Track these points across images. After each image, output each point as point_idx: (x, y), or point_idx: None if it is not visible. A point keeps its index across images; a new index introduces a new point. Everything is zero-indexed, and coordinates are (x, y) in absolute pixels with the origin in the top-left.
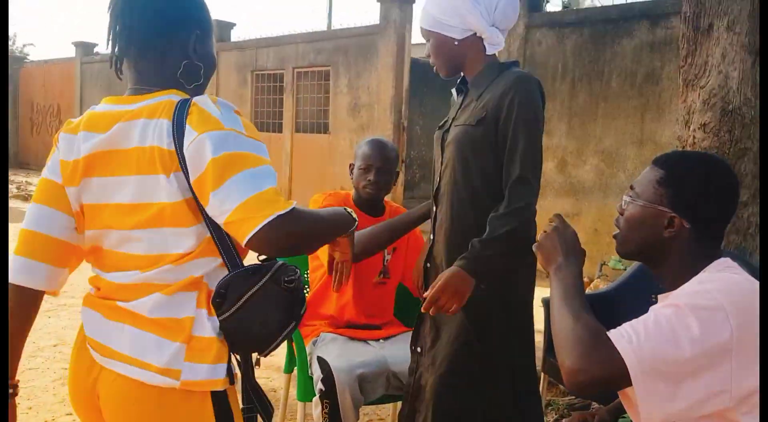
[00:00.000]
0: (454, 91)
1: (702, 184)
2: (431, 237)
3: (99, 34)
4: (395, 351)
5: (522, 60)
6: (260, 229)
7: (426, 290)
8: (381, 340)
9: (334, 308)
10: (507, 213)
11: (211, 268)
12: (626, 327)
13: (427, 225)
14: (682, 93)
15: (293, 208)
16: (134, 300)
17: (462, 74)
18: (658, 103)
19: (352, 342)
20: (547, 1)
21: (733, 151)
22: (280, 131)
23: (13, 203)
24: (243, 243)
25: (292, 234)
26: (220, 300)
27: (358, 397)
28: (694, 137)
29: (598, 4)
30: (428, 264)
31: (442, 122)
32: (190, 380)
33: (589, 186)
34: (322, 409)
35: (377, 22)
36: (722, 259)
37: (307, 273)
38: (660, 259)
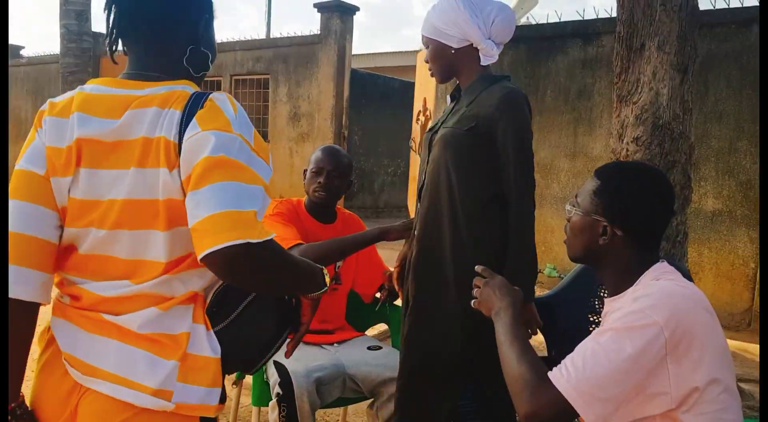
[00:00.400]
0: (448, 97)
1: (632, 194)
2: (414, 232)
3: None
4: (350, 354)
5: None
6: (221, 249)
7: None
8: (335, 344)
9: None
10: (520, 251)
11: (210, 280)
12: (566, 363)
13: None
14: (616, 108)
15: (268, 241)
16: (124, 314)
17: (457, 82)
18: (589, 118)
19: (308, 346)
20: None
21: (663, 163)
22: None
23: None
24: (199, 257)
25: (255, 269)
26: (216, 309)
27: (315, 400)
28: (627, 150)
29: (534, 22)
30: (409, 261)
31: (431, 126)
32: (182, 403)
33: None
34: (279, 413)
35: (318, 31)
36: (658, 264)
37: None
38: (600, 264)
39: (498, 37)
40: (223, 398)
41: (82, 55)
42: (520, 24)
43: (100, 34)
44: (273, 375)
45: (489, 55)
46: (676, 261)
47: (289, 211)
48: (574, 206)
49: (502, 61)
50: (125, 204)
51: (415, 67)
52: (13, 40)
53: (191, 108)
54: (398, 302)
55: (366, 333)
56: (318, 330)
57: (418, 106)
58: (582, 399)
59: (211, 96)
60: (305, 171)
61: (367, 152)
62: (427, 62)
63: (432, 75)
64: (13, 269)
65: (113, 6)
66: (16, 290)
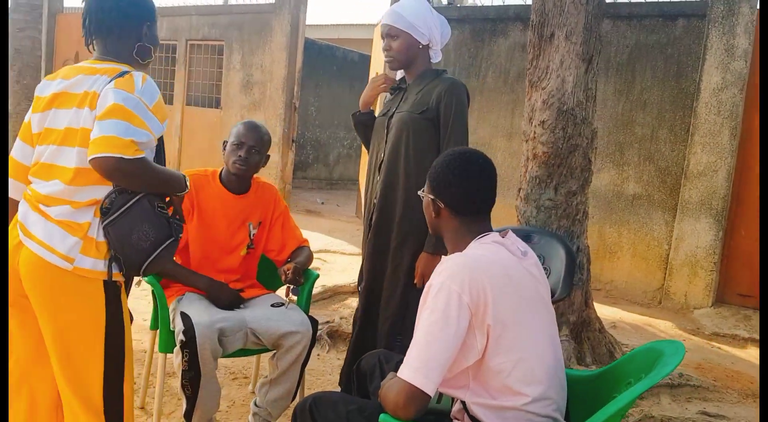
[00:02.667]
0: (388, 91)
1: (444, 171)
2: (374, 202)
3: None
4: (254, 310)
5: None
6: (100, 157)
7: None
8: (243, 302)
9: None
10: None
11: (107, 192)
12: (407, 356)
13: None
14: (528, 92)
15: (138, 158)
16: (51, 207)
17: (402, 75)
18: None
19: None
20: None
21: (566, 146)
22: (171, 103)
23: None
24: (88, 160)
25: (126, 174)
26: (106, 208)
27: (217, 348)
28: (534, 132)
29: (479, 3)
30: (371, 221)
31: (384, 111)
32: (79, 267)
33: None
34: (182, 358)
35: (273, 1)
36: (487, 235)
37: None
38: (442, 236)
39: (443, 40)
40: (110, 270)
41: (32, 12)
42: (466, 5)
43: None
44: (178, 325)
45: (437, 54)
46: (575, 237)
47: (190, 194)
48: (422, 190)
49: (448, 41)
50: (66, 130)
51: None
52: None
53: (116, 77)
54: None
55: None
56: None
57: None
58: (426, 379)
59: (130, 72)
60: (225, 143)
61: (323, 124)
62: (386, 50)
63: (389, 62)
64: (11, 181)
65: (86, 17)
66: (13, 194)
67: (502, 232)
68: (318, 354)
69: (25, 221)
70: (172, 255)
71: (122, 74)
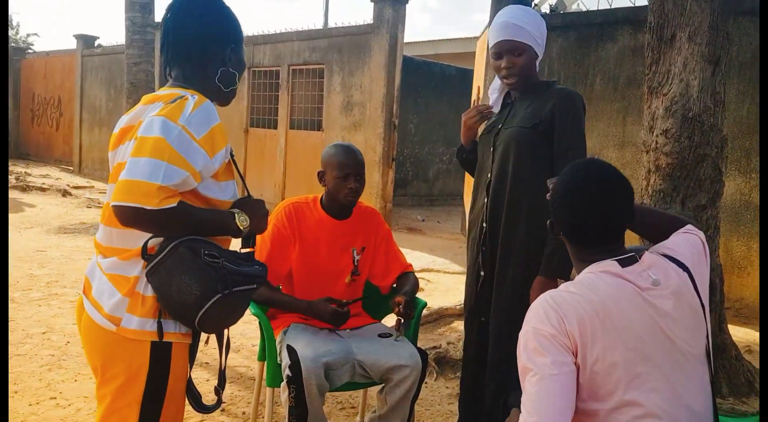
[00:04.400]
0: (496, 100)
1: (560, 193)
2: (483, 225)
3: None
4: (361, 341)
5: None
6: (117, 206)
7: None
8: (348, 331)
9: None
10: None
11: (160, 239)
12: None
13: (407, 210)
14: (646, 99)
15: (160, 210)
16: (104, 258)
17: (506, 89)
18: (639, 106)
19: (321, 331)
20: (535, 5)
21: (693, 156)
22: (275, 127)
23: (12, 194)
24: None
25: (146, 225)
26: (149, 255)
27: (323, 383)
28: (656, 142)
29: (584, 9)
30: (484, 248)
31: (489, 127)
32: (125, 328)
33: None
34: (289, 393)
35: (371, 21)
36: (597, 264)
37: None
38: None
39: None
40: (161, 330)
41: (145, 47)
42: (570, 11)
43: None
44: (285, 359)
45: (538, 63)
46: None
47: (291, 221)
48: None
49: (551, 49)
50: (117, 165)
51: (474, 53)
52: (90, 30)
53: (171, 102)
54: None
55: (382, 321)
56: None
57: (475, 93)
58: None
59: (187, 96)
60: (321, 173)
61: (422, 140)
62: (508, 68)
63: (512, 81)
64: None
65: (164, 42)
66: None
67: (631, 256)
68: (426, 383)
69: (90, 275)
70: (235, 309)
71: (177, 99)
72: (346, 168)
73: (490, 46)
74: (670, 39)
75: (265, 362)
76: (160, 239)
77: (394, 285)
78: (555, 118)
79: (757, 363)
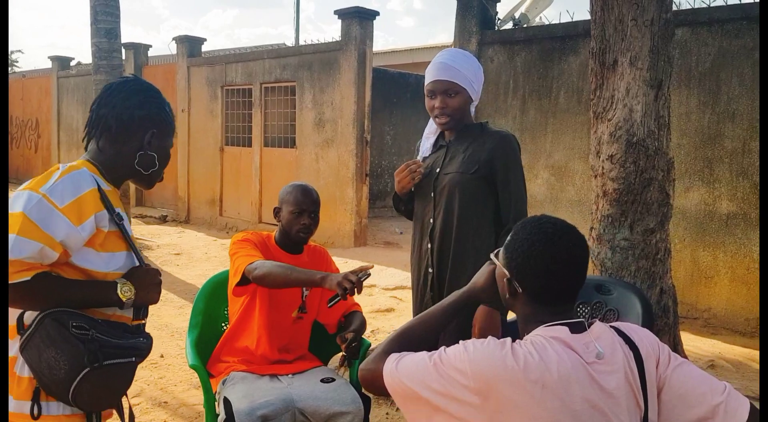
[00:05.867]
0: (427, 144)
1: (526, 254)
2: (428, 270)
3: (75, 48)
4: (302, 386)
5: None
6: None
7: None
8: (290, 375)
9: (251, 340)
10: None
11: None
12: (400, 356)
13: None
14: (592, 124)
15: (12, 284)
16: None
17: (438, 131)
18: None
19: (261, 380)
20: (500, 20)
21: (639, 180)
22: (250, 145)
23: None
24: None
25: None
26: (21, 331)
27: None
28: (603, 167)
29: (546, 22)
30: (432, 292)
31: (426, 171)
32: (13, 412)
33: (541, 199)
34: None
35: (339, 38)
36: (547, 327)
37: (226, 311)
38: (515, 313)
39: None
40: (33, 413)
41: (112, 72)
42: (533, 24)
43: (139, 45)
44: (221, 413)
45: (473, 107)
46: (657, 278)
47: (259, 241)
48: (494, 255)
49: (516, 63)
50: None
51: None
52: (65, 52)
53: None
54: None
55: (328, 364)
56: (277, 361)
57: None
58: (392, 381)
59: (57, 166)
60: (277, 209)
61: (400, 151)
62: (441, 108)
63: (445, 122)
64: None
65: (90, 116)
66: None
67: (580, 322)
68: (387, 414)
69: None
70: (111, 384)
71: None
72: (301, 205)
73: (426, 84)
74: (612, 64)
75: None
76: (35, 313)
77: (341, 322)
78: (494, 163)
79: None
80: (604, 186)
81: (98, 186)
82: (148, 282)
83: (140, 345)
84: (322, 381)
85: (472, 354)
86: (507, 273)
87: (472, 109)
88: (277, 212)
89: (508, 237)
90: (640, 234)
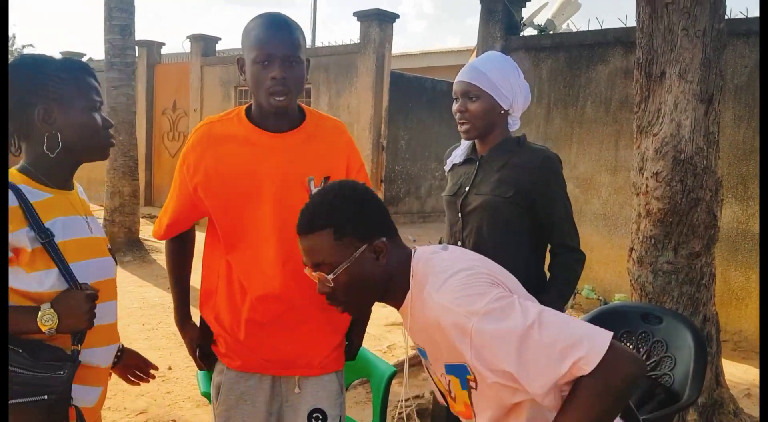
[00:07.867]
0: (457, 157)
1: (343, 211)
2: None
3: (87, 42)
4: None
5: None
6: None
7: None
8: (297, 378)
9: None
10: (564, 283)
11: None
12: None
13: None
14: (636, 139)
15: None
16: None
17: (471, 143)
18: (631, 130)
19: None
20: (524, 25)
21: (685, 200)
22: None
23: None
24: None
25: None
26: None
27: None
28: (647, 185)
29: (574, 29)
30: None
31: (455, 189)
32: None
33: None
34: None
35: (358, 40)
36: (417, 252)
37: None
38: (389, 288)
39: (524, 107)
40: None
41: (125, 69)
42: (560, 31)
43: (153, 43)
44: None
45: (515, 122)
46: (700, 305)
47: (199, 155)
48: (328, 274)
49: (541, 70)
50: None
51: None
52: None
53: None
54: None
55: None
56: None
57: None
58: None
59: None
60: (240, 60)
61: (414, 156)
62: (461, 112)
63: (464, 128)
64: None
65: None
66: None
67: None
68: None
69: None
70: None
71: None
72: (265, 46)
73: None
74: (659, 76)
75: None
76: None
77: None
78: (534, 192)
79: (756, 410)
80: (647, 205)
81: (22, 201)
82: (73, 307)
83: (51, 383)
84: (311, 416)
85: None
86: (360, 245)
87: (511, 122)
88: (242, 68)
89: (322, 236)
90: (685, 257)
